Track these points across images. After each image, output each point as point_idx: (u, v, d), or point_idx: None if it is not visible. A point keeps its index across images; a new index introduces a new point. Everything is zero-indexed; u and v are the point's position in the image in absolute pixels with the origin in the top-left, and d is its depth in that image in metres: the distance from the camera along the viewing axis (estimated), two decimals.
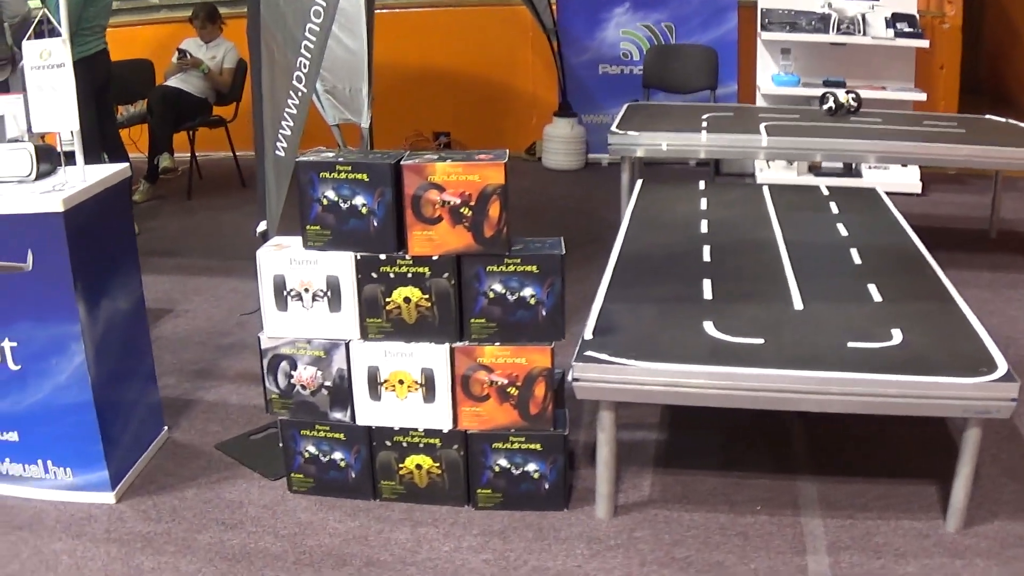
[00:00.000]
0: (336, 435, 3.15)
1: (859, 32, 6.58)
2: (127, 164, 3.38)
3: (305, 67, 3.01)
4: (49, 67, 3.09)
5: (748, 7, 7.15)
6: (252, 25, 3.11)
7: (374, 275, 2.97)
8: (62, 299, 3.06)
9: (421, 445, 3.12)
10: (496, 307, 2.97)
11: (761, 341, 3.01)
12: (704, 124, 5.23)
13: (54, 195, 3.02)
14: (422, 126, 7.90)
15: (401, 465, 3.14)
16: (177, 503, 3.24)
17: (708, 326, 3.13)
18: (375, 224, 2.93)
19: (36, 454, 3.27)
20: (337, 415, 3.13)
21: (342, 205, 2.93)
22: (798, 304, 3.32)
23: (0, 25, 5.45)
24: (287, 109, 3.08)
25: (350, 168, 2.91)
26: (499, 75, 8.01)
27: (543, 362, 2.99)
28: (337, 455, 3.17)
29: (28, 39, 3.11)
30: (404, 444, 3.12)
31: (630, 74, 7.49)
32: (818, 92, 6.10)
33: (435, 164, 2.86)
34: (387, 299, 2.99)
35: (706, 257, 3.81)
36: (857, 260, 3.77)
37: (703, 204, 4.55)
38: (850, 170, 6.75)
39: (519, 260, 2.93)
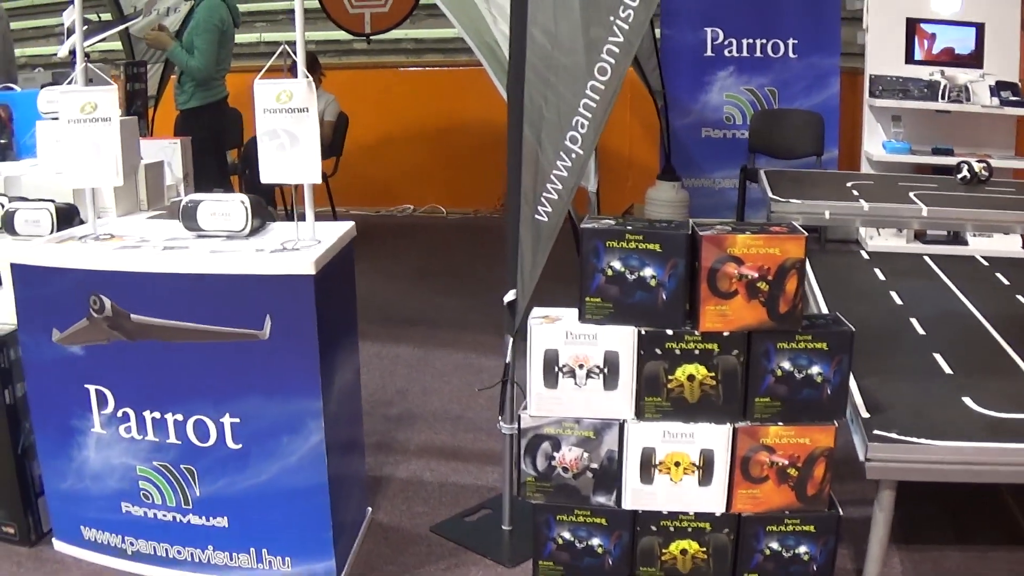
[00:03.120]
0: (597, 520, 2.95)
1: (967, 100, 6.51)
2: (352, 223, 3.16)
3: (583, 127, 2.83)
4: (288, 111, 2.85)
5: (850, 73, 7.11)
6: (514, 79, 2.91)
7: (658, 351, 2.79)
8: (303, 371, 2.82)
9: (689, 529, 2.92)
10: (782, 385, 2.80)
11: None
12: (855, 192, 5.10)
13: (301, 255, 2.80)
14: None
15: (664, 550, 2.95)
16: None
17: (968, 402, 3.04)
18: (663, 297, 2.76)
19: (249, 542, 3.01)
20: (600, 499, 2.93)
21: (628, 276, 2.76)
22: None
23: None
24: (555, 171, 2.90)
25: (641, 237, 2.74)
26: None
27: (826, 442, 2.83)
28: (595, 541, 2.96)
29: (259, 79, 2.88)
30: (671, 529, 2.93)
31: (732, 138, 7.40)
32: (927, 160, 6.02)
33: (735, 236, 2.71)
34: (669, 377, 2.81)
35: (920, 330, 3.73)
36: None
37: (879, 274, 4.45)
38: (956, 238, 6.65)
39: (810, 337, 2.77)
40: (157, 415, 2.94)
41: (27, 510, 3.26)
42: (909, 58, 6.76)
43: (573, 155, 2.88)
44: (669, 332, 2.78)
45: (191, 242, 2.99)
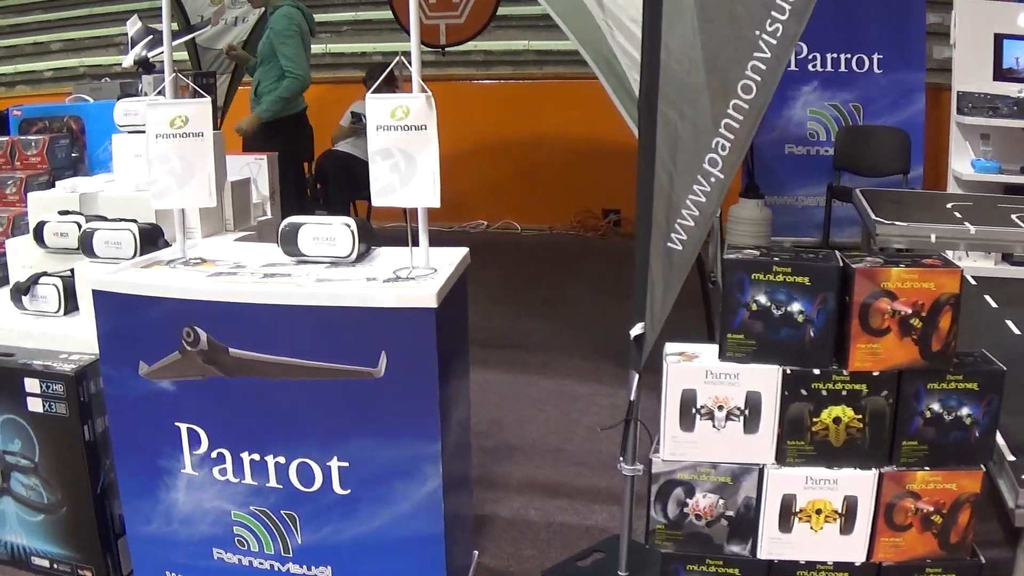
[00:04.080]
0: (730, 570, 2.77)
1: None
2: (466, 249, 2.98)
3: (724, 149, 2.65)
4: (404, 128, 2.67)
5: (935, 89, 6.89)
6: (646, 97, 2.73)
7: (803, 392, 2.61)
8: (420, 412, 2.62)
9: None
10: (931, 428, 2.62)
11: None
12: (957, 214, 4.88)
13: (421, 286, 2.61)
14: (591, 202, 7.59)
15: None
16: None
17: None
18: (811, 334, 2.58)
19: None
20: (735, 548, 2.75)
21: (775, 311, 2.58)
22: None
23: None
24: (691, 196, 2.71)
25: (790, 270, 2.56)
26: None
27: (972, 487, 2.65)
28: None
29: (374, 91, 2.70)
30: None
31: (816, 155, 7.19)
32: (1017, 179, 5.80)
33: (889, 269, 2.53)
34: (814, 419, 2.62)
35: None
36: None
37: (991, 301, 4.27)
38: None
39: (961, 376, 2.59)
40: (256, 457, 2.75)
41: (106, 552, 3.10)
42: (997, 75, 6.54)
43: (712, 179, 2.69)
44: (816, 372, 2.60)
45: (292, 268, 2.82)
